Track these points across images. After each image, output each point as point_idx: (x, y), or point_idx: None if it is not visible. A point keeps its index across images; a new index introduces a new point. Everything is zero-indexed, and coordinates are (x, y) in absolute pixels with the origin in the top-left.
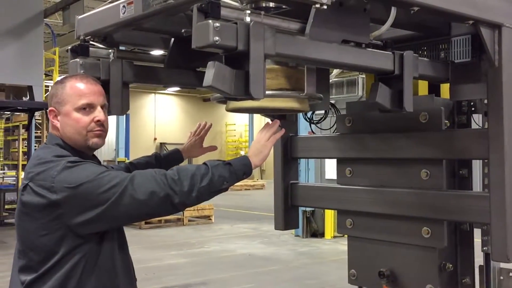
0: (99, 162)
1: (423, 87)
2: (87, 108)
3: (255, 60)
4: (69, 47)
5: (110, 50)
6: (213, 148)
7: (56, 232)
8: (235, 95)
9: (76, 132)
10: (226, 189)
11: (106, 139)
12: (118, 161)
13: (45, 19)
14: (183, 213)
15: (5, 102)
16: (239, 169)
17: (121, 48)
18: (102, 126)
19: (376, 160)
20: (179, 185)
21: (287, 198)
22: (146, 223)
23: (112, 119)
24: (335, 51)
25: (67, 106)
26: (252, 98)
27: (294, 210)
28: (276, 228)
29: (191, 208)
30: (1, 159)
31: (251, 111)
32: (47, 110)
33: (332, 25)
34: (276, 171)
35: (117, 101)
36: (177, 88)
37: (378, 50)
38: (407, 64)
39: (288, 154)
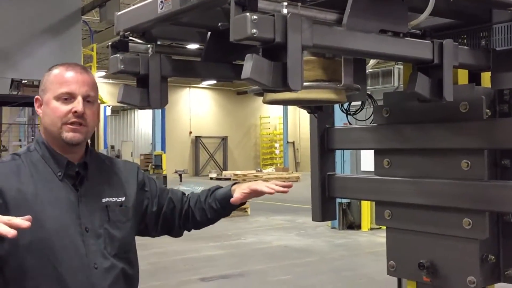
0: (84, 163)
1: (463, 76)
2: (68, 97)
3: (292, 52)
4: (109, 43)
5: (148, 45)
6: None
7: None
8: (273, 87)
9: (51, 123)
10: None
11: (143, 134)
12: (155, 155)
13: (82, 17)
14: None
15: None
16: None
17: (159, 43)
18: (81, 119)
19: (415, 150)
20: None
21: (324, 190)
22: None
23: (147, 114)
24: (373, 41)
25: (48, 94)
26: (290, 90)
27: (331, 201)
28: (313, 220)
29: None
30: None
31: (288, 103)
32: (35, 98)
33: (369, 15)
34: (313, 163)
35: (156, 95)
36: (212, 82)
37: (417, 39)
38: (447, 52)
39: (325, 145)
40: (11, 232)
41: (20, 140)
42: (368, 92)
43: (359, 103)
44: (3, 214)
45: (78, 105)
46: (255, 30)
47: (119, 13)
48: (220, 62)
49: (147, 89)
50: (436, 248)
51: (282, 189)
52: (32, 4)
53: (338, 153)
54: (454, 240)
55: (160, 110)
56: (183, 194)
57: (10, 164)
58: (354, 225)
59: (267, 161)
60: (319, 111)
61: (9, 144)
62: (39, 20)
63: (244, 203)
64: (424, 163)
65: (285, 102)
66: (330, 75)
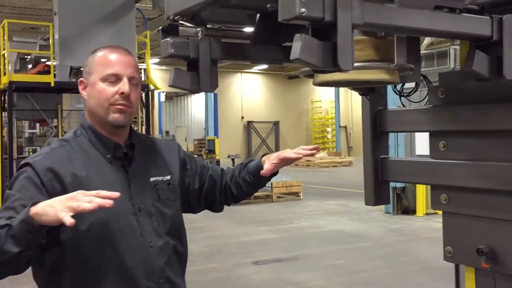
0: (131, 144)
1: None
2: (113, 79)
3: (342, 31)
4: (160, 28)
5: (198, 29)
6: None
7: None
8: (323, 67)
9: (98, 104)
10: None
11: (197, 119)
12: (208, 140)
13: (136, 4)
14: (271, 189)
15: None
16: (17, 231)
17: (208, 26)
18: (127, 100)
19: (472, 132)
20: None
21: (377, 173)
22: None
23: (200, 100)
24: (427, 17)
25: (94, 75)
26: (341, 70)
27: (385, 185)
28: (366, 204)
29: (280, 185)
30: None
31: (339, 84)
32: (79, 81)
33: None
34: (365, 146)
35: (207, 77)
36: (263, 67)
37: (474, 15)
38: (507, 28)
39: (378, 128)
40: (108, 202)
41: None
42: (423, 73)
43: (413, 84)
44: None
45: (124, 86)
46: (303, 9)
47: None
48: (270, 45)
49: (197, 73)
50: (495, 233)
51: (309, 152)
52: None
53: (391, 136)
54: None
55: (213, 95)
56: (222, 170)
57: (61, 150)
58: (409, 210)
59: (320, 146)
60: (371, 93)
61: (69, 130)
62: (95, 9)
63: (276, 173)
64: (481, 145)
65: (336, 84)
66: (382, 54)
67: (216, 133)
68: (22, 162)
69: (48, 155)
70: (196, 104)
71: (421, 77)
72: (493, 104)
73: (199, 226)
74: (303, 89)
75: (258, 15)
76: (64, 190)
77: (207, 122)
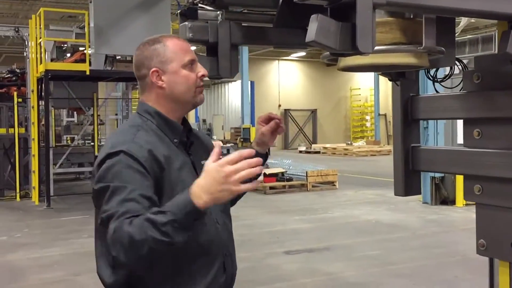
0: (189, 129)
1: None
2: (192, 64)
3: (362, 11)
4: (178, 11)
5: (218, 12)
6: (281, 130)
7: None
8: (341, 50)
9: (187, 89)
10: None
11: (234, 107)
12: (243, 128)
13: None
14: (306, 178)
15: None
16: (185, 222)
17: (230, 10)
18: (203, 81)
19: (508, 120)
20: (115, 253)
21: (407, 163)
22: (270, 188)
23: (237, 88)
24: None
25: (174, 63)
26: (360, 53)
27: (415, 175)
28: (396, 194)
29: (315, 174)
30: None
31: (364, 69)
32: (150, 72)
33: None
34: (396, 134)
35: (226, 63)
36: (301, 54)
37: None
38: None
39: (409, 115)
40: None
41: (116, 114)
42: (465, 60)
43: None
44: (160, 182)
45: (202, 69)
46: None
47: None
48: (293, 28)
49: (216, 58)
50: None
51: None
52: None
53: (431, 124)
54: None
55: (249, 83)
56: None
57: (144, 133)
58: (448, 201)
59: (358, 134)
60: (402, 78)
61: (106, 118)
62: None
63: (268, 154)
64: None
65: (361, 69)
66: (410, 37)
67: (252, 122)
68: (111, 151)
69: (136, 139)
70: (234, 92)
71: (457, 61)
72: None
73: (233, 214)
74: (342, 76)
75: None
76: (161, 171)
77: (242, 110)
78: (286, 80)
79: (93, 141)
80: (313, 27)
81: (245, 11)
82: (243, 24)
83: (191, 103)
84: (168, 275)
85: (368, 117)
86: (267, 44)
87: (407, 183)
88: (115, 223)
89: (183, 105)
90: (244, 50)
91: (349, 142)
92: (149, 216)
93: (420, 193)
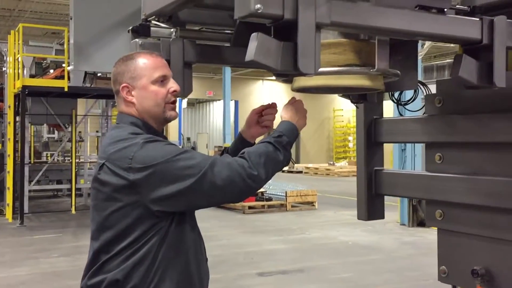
0: (165, 139)
1: None
2: (163, 79)
3: (304, 30)
4: (130, 28)
5: (172, 30)
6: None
7: (133, 211)
8: (282, 70)
9: (156, 105)
10: None
11: (218, 126)
12: (225, 147)
13: None
14: (286, 198)
15: None
16: (293, 141)
17: (186, 28)
18: (176, 97)
19: (470, 144)
20: (256, 171)
21: (370, 186)
22: (249, 208)
23: (221, 106)
24: (406, 18)
25: (143, 79)
26: (302, 74)
27: (378, 199)
28: (359, 218)
29: (294, 194)
30: None
31: (319, 90)
32: (120, 87)
33: None
34: (359, 157)
35: (179, 82)
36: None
37: (462, 16)
38: (498, 31)
39: (372, 138)
40: None
41: (97, 131)
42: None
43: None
44: None
45: (174, 85)
46: (259, 6)
47: None
48: None
49: None
50: (492, 253)
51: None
52: None
53: (408, 146)
54: None
55: (233, 102)
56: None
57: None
58: (425, 222)
59: (340, 155)
60: (363, 101)
61: (85, 135)
62: (111, 14)
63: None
64: (479, 159)
65: (315, 90)
66: (364, 59)
67: None
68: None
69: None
70: (218, 111)
71: (419, 84)
72: (491, 115)
73: (210, 235)
74: (325, 97)
75: None
76: None
77: (224, 129)
78: (270, 100)
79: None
80: (253, 46)
81: (202, 29)
82: (198, 42)
83: (161, 118)
84: None
85: (350, 138)
86: (223, 64)
87: (370, 207)
88: (223, 160)
89: (154, 120)
90: (227, 70)
91: (332, 162)
92: (270, 140)
93: (383, 218)
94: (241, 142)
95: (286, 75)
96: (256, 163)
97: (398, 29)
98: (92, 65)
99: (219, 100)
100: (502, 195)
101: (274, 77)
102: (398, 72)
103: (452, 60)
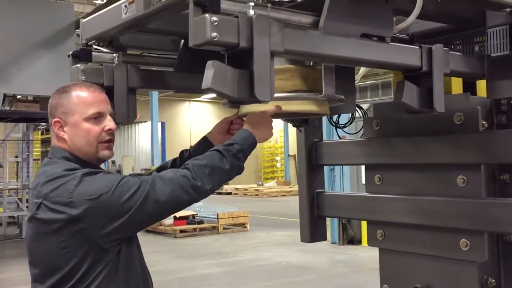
0: (102, 170)
1: (457, 85)
2: (97, 117)
3: (260, 58)
4: (70, 53)
5: (114, 55)
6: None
7: (79, 247)
8: (238, 98)
9: (87, 143)
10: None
11: (144, 148)
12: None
13: (76, 30)
14: (218, 220)
15: (40, 113)
16: (246, 149)
17: (128, 52)
18: (112, 135)
19: (407, 166)
20: (199, 182)
21: (313, 208)
22: (181, 231)
23: (147, 128)
24: (353, 46)
25: (75, 116)
26: (259, 101)
27: (321, 221)
28: (302, 240)
29: (226, 216)
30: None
31: None
32: (52, 121)
33: (349, 18)
34: (301, 180)
35: (123, 108)
36: (211, 95)
37: (403, 45)
38: (437, 59)
39: (313, 161)
40: None
41: (16, 157)
42: (365, 106)
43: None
44: None
45: (110, 123)
46: (215, 34)
47: (84, 20)
48: (195, 73)
49: (112, 103)
50: (432, 271)
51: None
52: (24, 18)
53: (337, 167)
54: (451, 262)
55: (160, 124)
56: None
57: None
58: (355, 240)
59: (269, 175)
60: (305, 124)
61: (3, 161)
62: (32, 34)
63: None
64: (417, 180)
65: None
66: (311, 85)
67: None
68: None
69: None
70: (144, 133)
71: (357, 108)
72: (427, 137)
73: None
74: None
75: (182, 41)
76: None
77: (152, 151)
78: (197, 121)
79: None
80: (209, 74)
81: (144, 54)
82: (141, 68)
83: (94, 157)
84: None
85: (278, 158)
86: (167, 89)
87: (313, 229)
88: (163, 176)
89: (90, 158)
90: (154, 92)
91: (260, 183)
92: (219, 148)
93: (325, 239)
94: (208, 145)
95: (240, 102)
96: (200, 174)
97: (345, 57)
98: (11, 87)
99: (145, 122)
100: (438, 214)
101: (200, 98)
102: (343, 97)
103: (384, 80)
